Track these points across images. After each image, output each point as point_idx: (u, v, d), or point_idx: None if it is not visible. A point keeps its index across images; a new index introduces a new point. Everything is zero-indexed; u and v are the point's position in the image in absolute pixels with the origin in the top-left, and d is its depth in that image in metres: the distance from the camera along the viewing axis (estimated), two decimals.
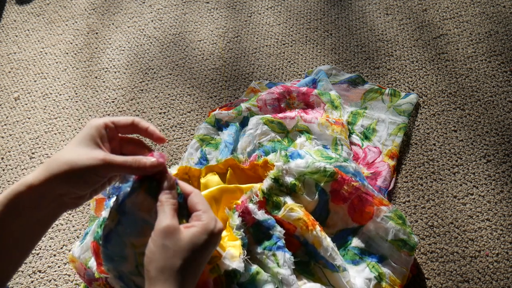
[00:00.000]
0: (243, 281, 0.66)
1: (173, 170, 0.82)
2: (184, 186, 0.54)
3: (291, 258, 0.71)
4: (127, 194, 0.53)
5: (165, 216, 0.49)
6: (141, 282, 0.54)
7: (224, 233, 0.72)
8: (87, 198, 0.54)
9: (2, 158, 1.10)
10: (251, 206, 0.73)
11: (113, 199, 0.56)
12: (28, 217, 0.50)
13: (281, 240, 0.72)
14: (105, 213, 0.71)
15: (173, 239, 0.48)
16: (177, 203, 0.51)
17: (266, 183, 0.76)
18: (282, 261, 0.70)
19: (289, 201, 0.76)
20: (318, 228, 0.74)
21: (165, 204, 0.50)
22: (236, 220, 0.72)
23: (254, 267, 0.68)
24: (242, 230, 0.71)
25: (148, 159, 0.52)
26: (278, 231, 0.73)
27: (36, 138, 1.12)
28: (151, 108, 1.13)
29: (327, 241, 0.74)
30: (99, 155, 0.50)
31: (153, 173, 0.53)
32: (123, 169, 0.51)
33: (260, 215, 0.73)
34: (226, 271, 0.65)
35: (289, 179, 0.77)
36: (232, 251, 0.65)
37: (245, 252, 0.68)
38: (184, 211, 0.52)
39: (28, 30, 1.35)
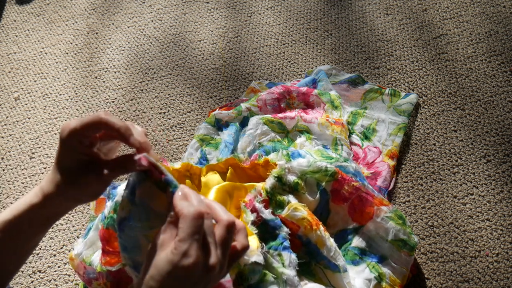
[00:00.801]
0: (252, 282, 0.66)
1: (176, 166, 0.82)
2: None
3: (295, 259, 0.71)
4: (135, 184, 0.52)
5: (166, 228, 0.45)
6: None
7: None
8: (102, 191, 0.53)
9: (2, 158, 1.10)
10: (258, 205, 0.73)
11: (123, 185, 0.54)
12: (41, 226, 0.52)
13: (287, 240, 0.72)
14: (117, 197, 0.71)
15: (157, 252, 0.44)
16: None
17: (269, 182, 0.76)
18: (288, 262, 0.70)
19: (292, 200, 0.76)
20: (322, 228, 0.74)
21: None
22: (250, 216, 0.72)
23: (262, 269, 0.68)
24: (255, 226, 0.71)
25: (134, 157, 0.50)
26: (285, 231, 0.73)
27: (36, 138, 1.12)
28: (151, 108, 1.13)
29: (331, 241, 0.74)
30: (93, 190, 0.50)
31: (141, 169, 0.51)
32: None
33: (267, 214, 0.73)
34: (239, 271, 0.65)
35: (292, 178, 0.77)
36: (251, 244, 0.65)
37: (264, 245, 0.67)
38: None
39: (28, 30, 1.35)
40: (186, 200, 0.45)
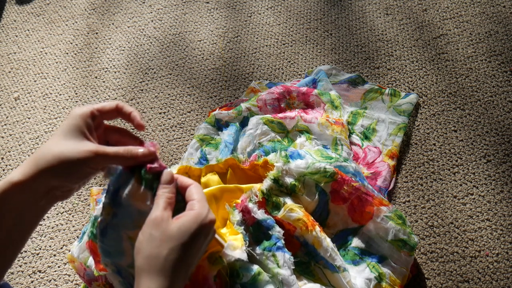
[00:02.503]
0: (246, 281, 0.66)
1: (173, 170, 0.82)
2: (184, 179, 0.54)
3: (290, 259, 0.71)
4: (119, 186, 0.53)
5: (157, 208, 0.49)
6: None
7: (224, 230, 0.73)
8: (77, 190, 0.53)
9: (2, 158, 1.10)
10: (251, 205, 0.73)
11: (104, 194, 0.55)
12: (18, 214, 0.49)
13: (280, 240, 0.72)
14: (96, 211, 0.71)
15: (160, 228, 0.47)
16: (174, 197, 0.51)
17: (266, 183, 0.76)
18: (282, 262, 0.70)
19: (288, 201, 0.76)
20: (317, 228, 0.74)
21: (160, 198, 0.50)
22: (236, 216, 0.72)
23: (256, 268, 0.68)
24: (242, 227, 0.71)
25: (139, 149, 0.51)
26: (277, 231, 0.73)
27: (36, 138, 1.12)
28: (151, 108, 1.13)
29: (327, 241, 0.74)
30: (90, 147, 0.49)
31: (144, 163, 0.52)
32: (115, 160, 0.50)
33: (260, 214, 0.73)
34: (230, 269, 0.65)
35: (289, 180, 0.77)
36: (233, 242, 0.65)
37: (247, 243, 0.68)
38: (181, 209, 0.52)
39: (28, 30, 1.35)
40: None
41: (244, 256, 0.64)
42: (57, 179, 0.49)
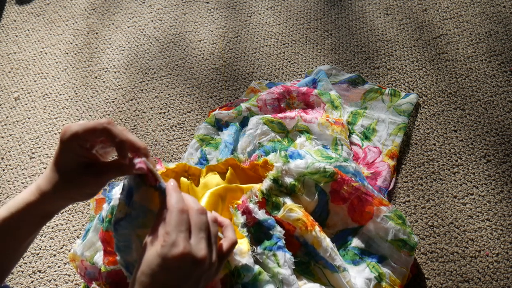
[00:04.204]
0: (246, 281, 0.67)
1: (170, 166, 0.82)
2: (186, 198, 0.51)
3: (291, 258, 0.71)
4: (132, 188, 0.53)
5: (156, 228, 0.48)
6: None
7: None
8: (97, 191, 0.54)
9: (2, 158, 1.10)
10: (252, 206, 0.73)
11: (118, 189, 0.55)
12: (37, 224, 0.52)
13: (281, 240, 0.72)
14: (113, 201, 0.72)
15: (145, 250, 0.47)
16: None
17: (266, 183, 0.76)
18: (283, 261, 0.70)
19: (288, 201, 0.76)
20: (317, 228, 0.74)
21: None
22: (240, 218, 0.72)
23: (257, 267, 0.68)
24: (245, 229, 0.71)
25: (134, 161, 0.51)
26: (278, 231, 0.73)
27: (36, 138, 1.12)
28: (151, 108, 1.13)
29: (327, 241, 0.74)
30: (90, 189, 0.51)
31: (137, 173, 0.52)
32: (114, 173, 0.51)
33: (261, 214, 0.73)
34: (231, 270, 0.65)
35: (289, 180, 0.77)
36: (241, 246, 0.65)
37: (254, 248, 0.68)
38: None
39: (28, 30, 1.35)
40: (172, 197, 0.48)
41: (251, 262, 0.65)
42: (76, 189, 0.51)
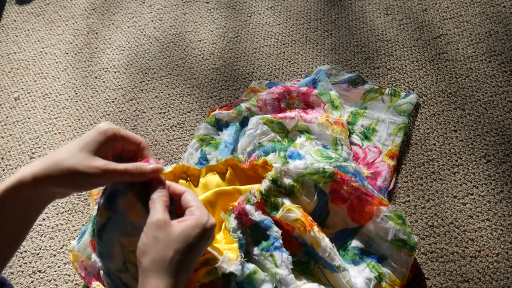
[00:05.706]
0: (240, 279, 0.66)
1: (168, 168, 0.82)
2: (176, 186, 0.55)
3: (288, 258, 0.71)
4: (116, 191, 0.53)
5: (156, 211, 0.50)
6: (128, 279, 0.55)
7: (220, 235, 0.73)
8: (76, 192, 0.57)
9: (2, 158, 1.10)
10: (248, 207, 0.73)
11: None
12: (22, 211, 0.52)
13: (278, 240, 0.72)
14: (95, 211, 0.71)
15: (164, 231, 0.49)
16: (169, 201, 0.52)
17: (265, 184, 0.76)
18: (280, 261, 0.70)
19: (287, 202, 0.76)
20: (316, 228, 0.74)
21: (157, 201, 0.51)
22: (232, 222, 0.72)
23: (252, 266, 0.68)
24: (239, 232, 0.71)
25: (148, 165, 0.53)
26: (275, 231, 0.72)
27: (36, 138, 1.12)
28: (151, 108, 1.13)
29: (325, 241, 0.74)
30: (100, 164, 0.50)
31: (149, 179, 0.53)
32: (124, 176, 0.52)
33: (257, 216, 0.73)
34: (218, 277, 0.65)
35: (288, 181, 0.77)
36: (229, 254, 0.65)
37: (242, 255, 0.68)
38: (173, 216, 0.52)
39: (28, 30, 1.35)
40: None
41: (238, 270, 0.64)
42: (64, 188, 0.51)
